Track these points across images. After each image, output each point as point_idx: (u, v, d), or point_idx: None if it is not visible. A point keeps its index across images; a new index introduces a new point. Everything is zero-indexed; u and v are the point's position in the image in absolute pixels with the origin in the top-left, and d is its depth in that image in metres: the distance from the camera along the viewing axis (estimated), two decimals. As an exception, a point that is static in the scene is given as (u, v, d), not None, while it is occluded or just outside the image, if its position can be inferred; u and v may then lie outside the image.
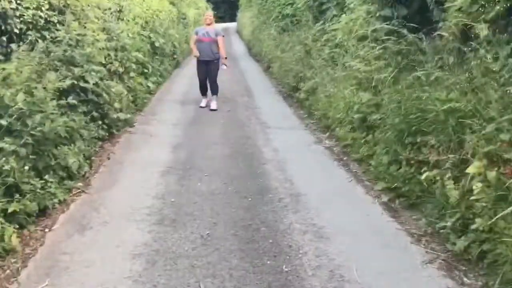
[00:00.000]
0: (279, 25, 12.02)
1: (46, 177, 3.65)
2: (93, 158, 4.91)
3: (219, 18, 38.14)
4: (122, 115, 5.77)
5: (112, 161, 5.09)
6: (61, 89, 4.47)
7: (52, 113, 3.94)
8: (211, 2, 36.87)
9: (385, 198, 3.99)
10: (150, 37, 9.42)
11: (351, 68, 5.68)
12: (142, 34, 9.00)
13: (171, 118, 7.24)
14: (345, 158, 5.31)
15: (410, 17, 5.19)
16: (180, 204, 3.93)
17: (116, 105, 5.64)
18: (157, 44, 9.95)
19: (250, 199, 4.05)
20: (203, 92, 8.31)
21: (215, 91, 8.18)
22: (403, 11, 5.20)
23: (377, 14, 5.42)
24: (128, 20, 8.33)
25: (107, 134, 5.57)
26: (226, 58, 8.05)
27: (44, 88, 4.04)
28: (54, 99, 4.21)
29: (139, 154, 5.35)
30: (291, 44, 9.52)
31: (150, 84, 9.01)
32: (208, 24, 7.99)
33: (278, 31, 11.78)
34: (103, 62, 5.68)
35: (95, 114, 5.17)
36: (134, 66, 7.19)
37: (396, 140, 4.14)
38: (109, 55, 6.07)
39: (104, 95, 5.23)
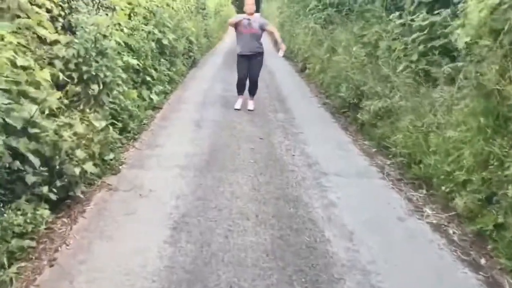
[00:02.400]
0: (320, 16, 9.53)
1: None
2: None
3: (240, 9, 35.86)
4: (90, 167, 3.45)
5: (55, 271, 2.80)
6: None
7: None
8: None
9: None
10: (154, 33, 7.07)
11: (486, 92, 3.23)
12: (143, 30, 6.66)
13: (177, 154, 4.90)
14: (482, 262, 2.91)
15: None
16: None
17: (79, 154, 3.32)
18: (165, 42, 7.62)
19: None
20: (240, 90, 7.23)
21: (253, 91, 7.22)
22: None
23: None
24: (122, 10, 5.99)
25: (63, 199, 3.30)
26: (279, 42, 6.88)
27: None
28: None
29: (111, 252, 3.04)
30: (345, 42, 7.06)
31: (154, 96, 6.70)
32: (251, 14, 6.70)
33: (320, 23, 9.29)
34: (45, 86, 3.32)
35: (30, 178, 2.86)
36: (122, 77, 4.85)
37: None
38: (66, 69, 3.74)
39: (45, 148, 2.92)
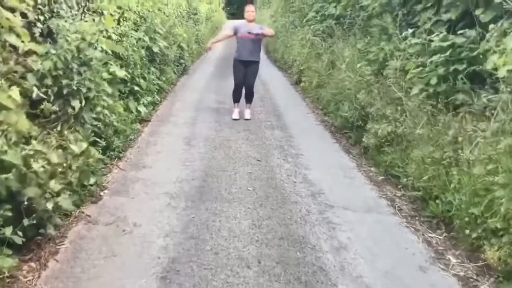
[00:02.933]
0: (318, 28, 9.12)
1: None
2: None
3: (231, 15, 35.34)
4: (65, 202, 2.94)
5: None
6: None
7: None
8: (223, -3, 34.22)
9: None
10: (144, 40, 6.56)
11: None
12: (132, 36, 6.15)
13: (166, 179, 4.41)
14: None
15: None
16: None
17: (53, 185, 2.81)
18: (155, 49, 7.11)
19: None
20: (237, 98, 7.18)
21: (250, 99, 7.20)
22: None
23: None
24: (111, 15, 5.49)
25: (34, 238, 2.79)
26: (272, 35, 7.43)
27: None
28: None
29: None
30: (349, 58, 6.64)
31: (142, 108, 6.19)
32: (251, 21, 6.85)
33: (319, 36, 8.88)
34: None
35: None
36: (107, 91, 4.33)
37: None
38: (42, 84, 3.21)
39: (11, 181, 2.42)
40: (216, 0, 29.59)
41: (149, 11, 7.81)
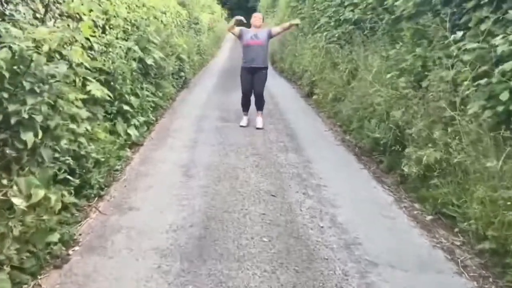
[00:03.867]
0: (334, 34, 8.18)
1: None
2: None
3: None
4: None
5: None
6: None
7: None
8: (226, 8, 33.52)
9: None
10: (134, 51, 5.61)
11: None
12: (121, 47, 5.21)
13: (156, 227, 3.43)
14: None
15: None
16: None
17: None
18: (149, 61, 6.17)
19: None
20: (245, 106, 6.93)
21: (261, 106, 6.90)
22: None
23: None
24: (92, 21, 4.55)
25: None
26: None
27: None
28: None
29: None
30: (376, 68, 5.67)
31: (132, 131, 5.24)
32: (257, 27, 6.64)
33: (334, 43, 7.93)
34: None
35: None
36: (81, 115, 3.38)
37: None
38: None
39: None
40: (218, 10, 28.90)
41: (142, 18, 6.90)
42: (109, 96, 4.27)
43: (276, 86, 11.19)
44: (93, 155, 3.77)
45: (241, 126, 6.71)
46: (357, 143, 5.88)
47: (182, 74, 10.04)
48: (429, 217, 3.79)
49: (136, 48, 5.49)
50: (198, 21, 15.76)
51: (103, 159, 4.12)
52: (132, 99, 5.36)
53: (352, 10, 7.83)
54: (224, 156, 5.27)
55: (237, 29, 6.62)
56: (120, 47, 5.10)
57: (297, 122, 7.24)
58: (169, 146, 5.57)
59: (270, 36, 6.63)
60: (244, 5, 38.33)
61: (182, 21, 13.02)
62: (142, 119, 5.56)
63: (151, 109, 6.24)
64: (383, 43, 6.33)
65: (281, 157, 5.34)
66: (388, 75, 5.18)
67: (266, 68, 6.68)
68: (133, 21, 6.46)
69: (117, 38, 5.59)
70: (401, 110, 4.59)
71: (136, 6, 6.74)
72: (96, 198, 3.84)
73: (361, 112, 5.93)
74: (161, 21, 9.40)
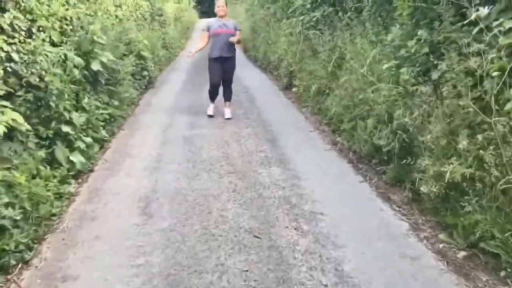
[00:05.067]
0: (311, 17, 7.21)
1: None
2: None
3: (203, 13, 33.07)
4: None
5: None
6: None
7: None
8: (193, -6, 32.04)
9: None
10: (72, 58, 4.52)
11: None
12: (50, 54, 4.12)
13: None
14: None
15: None
16: None
17: None
18: (95, 67, 5.10)
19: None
20: (213, 96, 6.82)
21: (229, 96, 6.83)
22: None
23: None
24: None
25: None
26: (239, 41, 6.69)
27: None
28: None
29: None
30: (370, 57, 4.73)
31: (76, 157, 4.23)
32: (222, 16, 6.55)
33: (313, 28, 6.95)
34: None
35: None
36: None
37: None
38: None
39: None
40: (185, -1, 27.53)
41: (87, 15, 5.80)
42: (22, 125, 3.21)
43: (250, 78, 10.20)
44: (6, 213, 2.74)
45: (209, 115, 6.61)
46: (350, 146, 4.97)
47: (146, 73, 8.95)
48: (461, 254, 2.91)
49: (71, 54, 4.41)
50: (162, 12, 14.55)
51: (29, 208, 3.10)
52: (75, 116, 4.32)
53: (331, -11, 6.86)
54: (194, 178, 4.30)
55: (204, 33, 6.57)
56: (49, 54, 4.01)
57: (278, 122, 6.29)
58: (126, 170, 4.56)
59: (236, 29, 6.52)
60: (212, -8, 36.81)
61: (143, 13, 11.85)
62: (88, 139, 4.51)
63: (103, 123, 5.19)
64: (371, 25, 5.39)
65: (263, 174, 4.40)
66: (385, 66, 4.25)
67: (234, 57, 6.60)
68: (74, 20, 5.36)
69: (52, 44, 4.52)
70: (408, 110, 3.67)
71: (78, 0, 5.62)
72: (20, 266, 2.84)
73: (353, 110, 5.02)
74: (116, 16, 8.28)
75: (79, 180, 4.28)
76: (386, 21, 5.00)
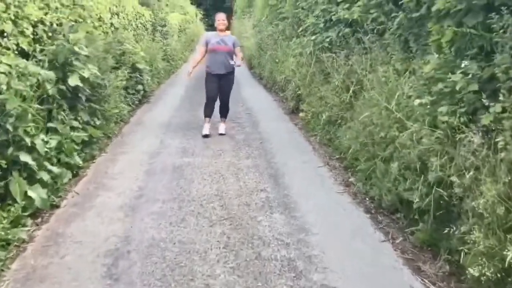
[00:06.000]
0: (325, 37, 6.51)
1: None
2: None
3: (210, 26, 32.71)
4: None
5: None
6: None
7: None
8: (202, 8, 31.64)
9: None
10: (38, 73, 3.77)
11: None
12: (8, 65, 3.38)
13: None
14: None
15: None
16: None
17: None
18: (73, 82, 4.36)
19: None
20: (208, 113, 6.40)
21: (225, 113, 6.54)
22: None
23: None
24: None
25: None
26: (242, 59, 6.75)
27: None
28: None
29: None
30: (394, 85, 3.99)
31: (36, 193, 3.46)
32: (222, 30, 6.30)
33: (333, 51, 6.21)
34: None
35: None
36: None
37: None
38: None
39: None
40: (192, 10, 27.02)
41: (72, 21, 5.08)
42: None
43: (254, 98, 9.51)
44: None
45: (204, 135, 6.17)
46: (367, 191, 4.20)
47: (140, 87, 8.25)
48: None
49: (34, 67, 3.65)
50: (166, 23, 13.92)
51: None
52: (39, 142, 3.56)
53: (348, 8, 6.16)
54: (178, 225, 3.53)
55: (201, 47, 6.46)
56: (5, 67, 3.27)
57: (282, 154, 5.54)
58: (98, 209, 3.79)
59: (235, 46, 6.33)
60: (220, 6, 36.53)
61: (144, 23, 11.20)
62: (56, 169, 3.74)
63: (78, 147, 4.42)
64: (396, 51, 4.67)
65: (263, 223, 3.63)
66: (417, 101, 3.51)
67: (233, 73, 6.38)
68: (55, 25, 4.65)
69: (20, 53, 3.79)
70: (448, 161, 2.91)
71: (61, 5, 4.91)
72: None
73: (372, 148, 4.26)
74: (111, 24, 7.59)
75: (38, 220, 3.51)
76: (415, 47, 4.26)
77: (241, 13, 23.38)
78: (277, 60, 9.79)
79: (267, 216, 3.76)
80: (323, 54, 6.10)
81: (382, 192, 3.83)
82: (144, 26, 11.07)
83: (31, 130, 3.51)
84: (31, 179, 3.53)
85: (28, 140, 3.45)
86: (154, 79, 10.26)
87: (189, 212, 3.78)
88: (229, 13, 29.97)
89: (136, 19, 10.18)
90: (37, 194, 3.45)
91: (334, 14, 6.45)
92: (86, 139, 4.81)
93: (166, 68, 12.33)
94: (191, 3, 28.27)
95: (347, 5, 6.15)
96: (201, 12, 30.42)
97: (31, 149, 3.51)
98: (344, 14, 6.05)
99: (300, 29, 7.88)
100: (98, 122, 5.18)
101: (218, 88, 6.31)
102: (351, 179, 4.62)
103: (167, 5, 18.60)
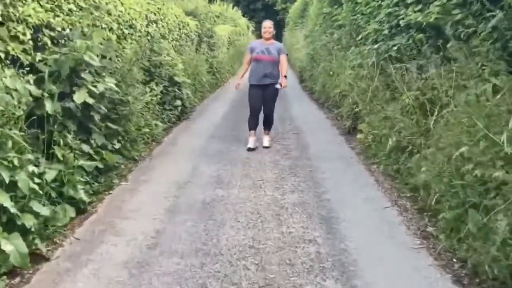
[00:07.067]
0: (389, 47, 5.42)
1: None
2: None
3: (260, 38, 32.04)
4: None
5: None
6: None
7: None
8: (255, 21, 31.09)
9: None
10: (22, 89, 3.00)
11: None
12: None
13: None
14: None
15: None
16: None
17: None
18: (79, 99, 3.53)
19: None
20: (253, 125, 6.08)
21: (269, 125, 6.25)
22: None
23: None
24: None
25: None
26: (286, 76, 5.91)
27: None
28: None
29: None
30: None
31: (14, 245, 2.63)
32: (268, 39, 6.02)
33: (405, 62, 5.10)
34: None
35: None
36: None
37: None
38: None
39: None
40: (243, 23, 26.49)
41: (89, 25, 4.34)
42: None
43: (304, 115, 8.52)
44: None
45: (249, 149, 5.87)
46: (455, 249, 3.07)
47: (178, 102, 7.48)
48: None
49: (21, 86, 2.85)
50: (213, 34, 13.25)
51: None
52: (22, 176, 2.75)
53: (420, 10, 5.05)
54: (211, 274, 2.58)
55: (247, 55, 6.21)
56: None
57: (337, 187, 4.50)
58: (96, 265, 2.91)
59: (280, 53, 5.99)
60: (273, 18, 35.98)
61: (189, 33, 10.53)
62: (45, 211, 2.92)
63: (84, 179, 3.61)
64: (492, 63, 3.54)
65: (311, 296, 2.60)
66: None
67: (277, 82, 5.98)
68: (68, 31, 3.90)
69: (13, 63, 3.03)
70: None
71: (78, 7, 4.17)
72: None
73: (462, 190, 3.13)
74: (147, 32, 6.90)
75: (16, 280, 2.68)
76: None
77: (293, 25, 22.53)
78: (331, 73, 8.75)
79: (317, 284, 2.74)
80: (390, 65, 4.99)
81: (481, 257, 2.70)
82: (188, 37, 10.40)
83: (12, 162, 2.70)
84: (10, 225, 2.71)
85: (5, 175, 2.64)
86: (196, 93, 9.52)
87: (213, 273, 2.83)
88: (282, 25, 29.16)
89: (180, 29, 9.50)
90: (14, 246, 2.62)
91: (402, 18, 5.35)
92: (101, 166, 4.00)
93: (211, 82, 11.60)
94: (243, 15, 27.82)
95: (419, 7, 5.04)
96: (253, 24, 29.88)
97: (11, 187, 2.70)
98: (416, 17, 4.95)
99: (360, 37, 6.83)
100: (117, 145, 4.36)
101: (262, 99, 6.00)
102: (430, 229, 3.50)
103: (218, 16, 18.11)
